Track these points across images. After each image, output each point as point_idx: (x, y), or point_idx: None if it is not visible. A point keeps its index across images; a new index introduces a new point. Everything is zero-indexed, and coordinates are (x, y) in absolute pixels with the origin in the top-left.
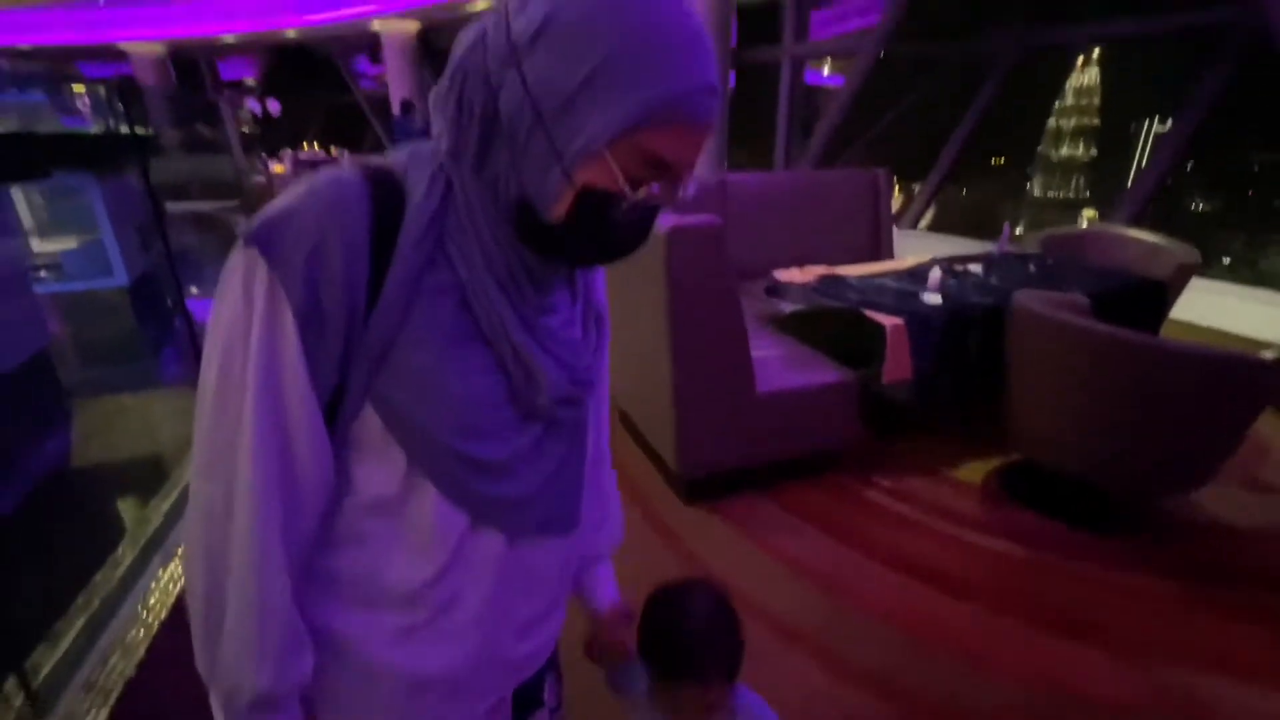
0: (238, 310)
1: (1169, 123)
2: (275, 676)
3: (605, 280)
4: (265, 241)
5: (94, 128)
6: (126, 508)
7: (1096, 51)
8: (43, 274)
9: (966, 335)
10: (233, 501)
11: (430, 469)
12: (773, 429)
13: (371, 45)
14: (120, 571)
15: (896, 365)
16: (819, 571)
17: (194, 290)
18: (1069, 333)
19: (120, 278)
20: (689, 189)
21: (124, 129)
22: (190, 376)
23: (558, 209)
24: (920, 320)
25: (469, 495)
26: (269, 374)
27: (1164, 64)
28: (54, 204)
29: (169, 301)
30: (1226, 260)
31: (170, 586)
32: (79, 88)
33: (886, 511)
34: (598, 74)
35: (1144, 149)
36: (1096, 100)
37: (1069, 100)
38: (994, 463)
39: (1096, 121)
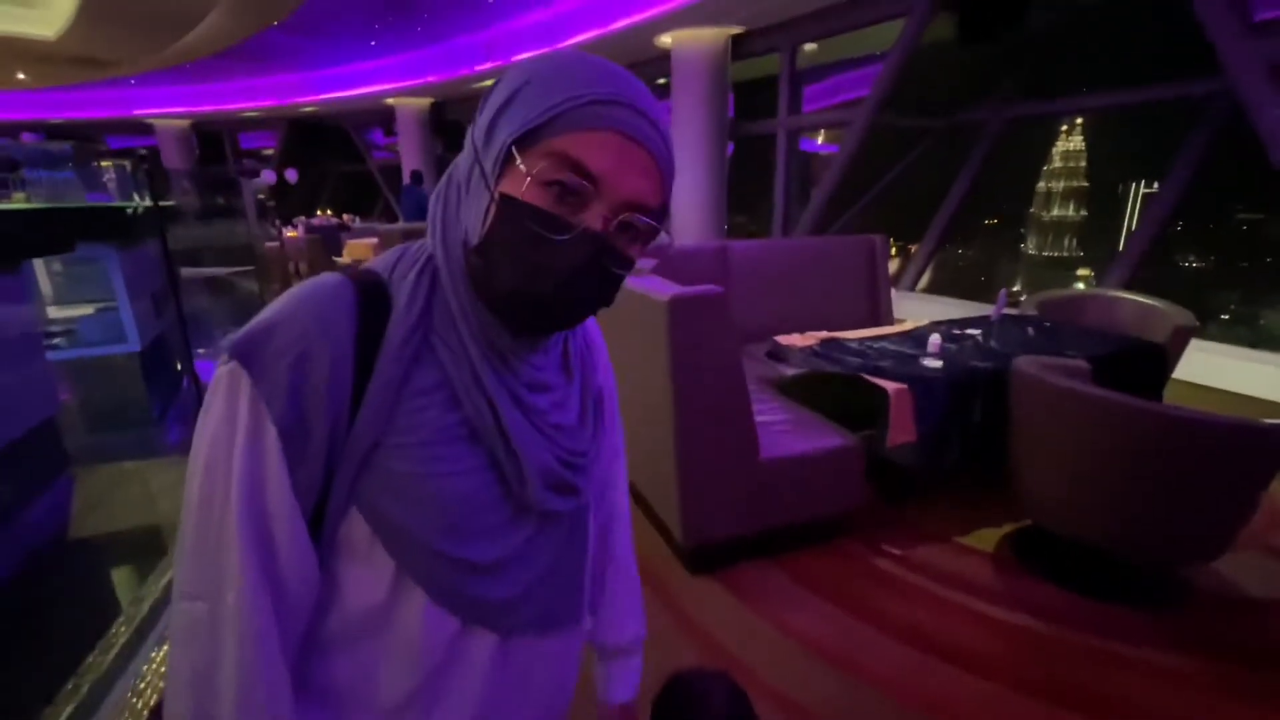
0: (221, 425)
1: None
2: None
3: (608, 359)
4: (247, 355)
5: (117, 200)
6: (122, 584)
7: (1080, 118)
8: (57, 340)
9: (969, 400)
10: (220, 625)
11: (419, 573)
12: (778, 496)
13: (385, 118)
14: (112, 655)
15: (900, 429)
16: (830, 646)
17: (201, 352)
18: (1070, 399)
19: (133, 344)
20: (659, 240)
21: (146, 202)
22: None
23: (484, 226)
24: (923, 385)
25: (459, 599)
26: (252, 491)
27: (1146, 129)
28: (72, 270)
29: (178, 365)
30: (1225, 317)
31: (164, 671)
32: (106, 163)
33: (898, 581)
34: (515, 95)
35: (1133, 210)
36: (1083, 163)
37: (1056, 163)
38: (1005, 528)
39: (1085, 183)
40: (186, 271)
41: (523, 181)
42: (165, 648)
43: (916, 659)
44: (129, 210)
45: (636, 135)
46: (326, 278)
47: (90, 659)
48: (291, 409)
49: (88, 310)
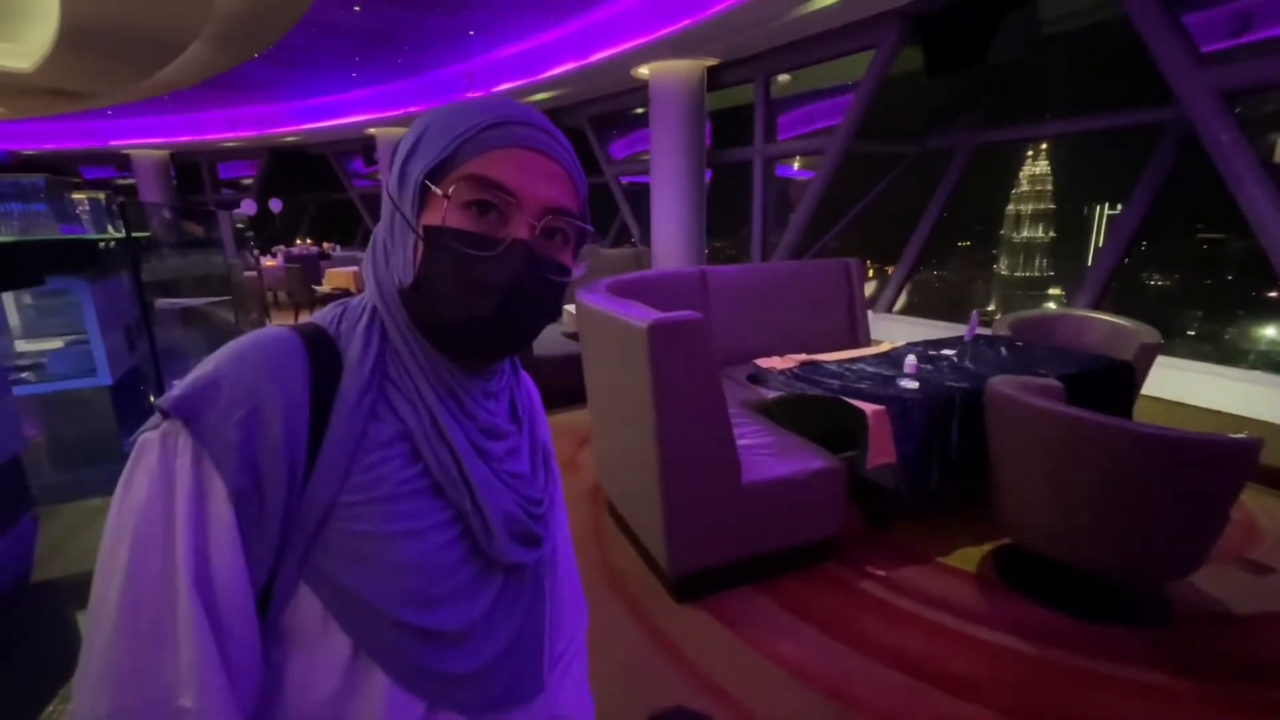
0: (156, 495)
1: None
2: None
3: (544, 412)
4: (191, 413)
5: (91, 232)
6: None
7: (1045, 143)
8: (25, 375)
9: (946, 420)
10: None
11: (379, 651)
12: (762, 520)
13: (366, 147)
14: (72, 705)
15: (880, 450)
16: (820, 675)
17: (174, 384)
18: (1042, 417)
19: (104, 378)
20: (579, 248)
21: (119, 234)
22: None
23: (416, 264)
24: (901, 405)
25: (425, 677)
26: (200, 568)
27: (1109, 154)
28: (42, 303)
29: (150, 398)
30: (1190, 333)
31: None
32: (79, 195)
33: (883, 605)
34: (419, 140)
35: (1099, 230)
36: (1050, 187)
37: (1024, 187)
38: (986, 547)
39: (1052, 206)
40: (162, 302)
41: (442, 208)
42: None
43: (906, 686)
44: (102, 242)
45: (540, 147)
46: (270, 330)
47: (51, 708)
48: (245, 471)
49: (58, 344)
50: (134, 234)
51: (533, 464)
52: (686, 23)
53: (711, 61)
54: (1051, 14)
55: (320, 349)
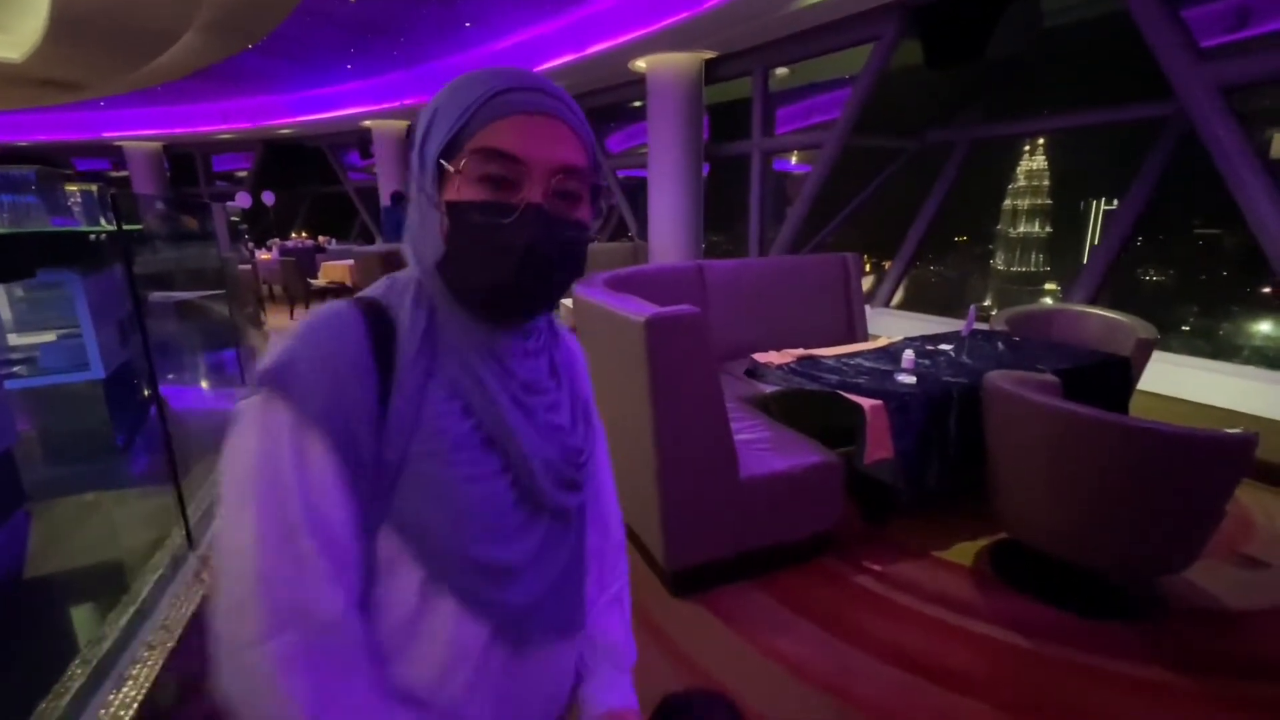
0: (264, 456)
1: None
2: None
3: (587, 371)
4: (282, 384)
5: (83, 225)
6: (81, 623)
7: (1042, 138)
8: (16, 369)
9: (944, 414)
10: (313, 645)
11: (448, 579)
12: (759, 515)
13: (362, 140)
14: (67, 700)
15: (878, 445)
16: (817, 670)
17: (170, 377)
18: (1039, 412)
19: (97, 371)
20: (596, 201)
21: (112, 226)
22: (159, 470)
23: (443, 239)
24: (898, 400)
25: (485, 604)
26: (310, 510)
27: (1105, 149)
28: (34, 296)
29: (145, 392)
30: (1185, 329)
31: (122, 714)
32: (71, 186)
33: (880, 600)
34: (432, 121)
35: (1095, 226)
36: (1047, 182)
37: (1021, 182)
38: (983, 542)
39: (1049, 201)
40: (156, 296)
41: (458, 184)
42: (124, 690)
43: (904, 680)
44: (93, 235)
45: (542, 109)
46: (335, 305)
47: (44, 704)
48: (336, 428)
49: (50, 337)
50: (126, 226)
51: (573, 417)
52: (684, 15)
53: (709, 54)
54: (1052, 7)
55: (377, 318)
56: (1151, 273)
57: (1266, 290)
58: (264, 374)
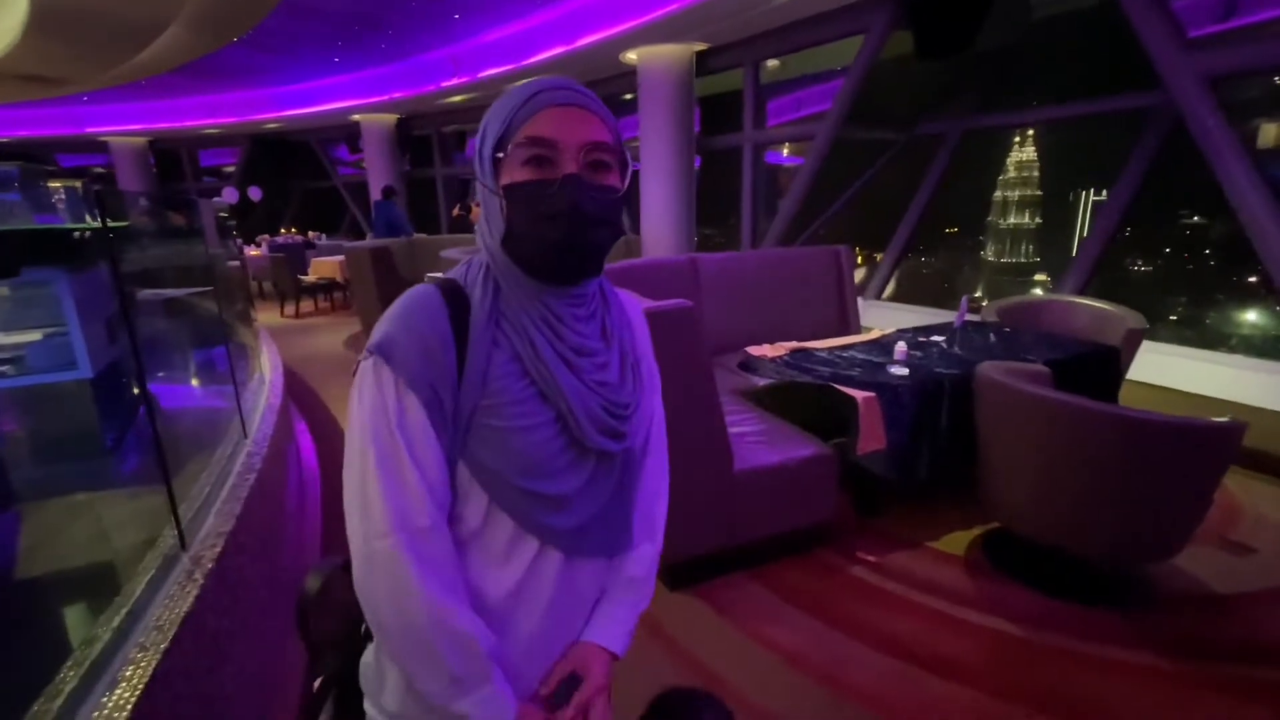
0: (379, 403)
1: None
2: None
3: (648, 337)
4: (387, 354)
5: (68, 222)
6: (72, 624)
7: (1031, 129)
8: (3, 368)
9: (936, 406)
10: (415, 542)
11: (506, 505)
12: (754, 507)
13: (351, 134)
14: (59, 702)
15: (870, 437)
16: (812, 660)
17: (160, 375)
18: (1030, 403)
19: (84, 370)
20: (623, 171)
21: (97, 223)
22: (149, 470)
23: (504, 219)
24: (891, 392)
25: (535, 525)
26: (411, 445)
27: (1094, 139)
28: (19, 294)
29: (134, 391)
30: (1174, 318)
31: (116, 716)
32: (55, 183)
33: (875, 590)
34: (485, 130)
35: (1084, 217)
36: (1036, 173)
37: (1011, 173)
38: (975, 531)
39: (1038, 192)
40: (144, 294)
41: (509, 171)
42: (118, 692)
43: (898, 669)
44: (78, 232)
45: (569, 101)
46: (422, 288)
47: (37, 707)
48: (425, 386)
49: (36, 336)
50: (112, 223)
51: (621, 374)
52: (675, 6)
53: (700, 46)
54: None
55: (455, 297)
56: (1140, 263)
57: (1253, 279)
58: (374, 346)
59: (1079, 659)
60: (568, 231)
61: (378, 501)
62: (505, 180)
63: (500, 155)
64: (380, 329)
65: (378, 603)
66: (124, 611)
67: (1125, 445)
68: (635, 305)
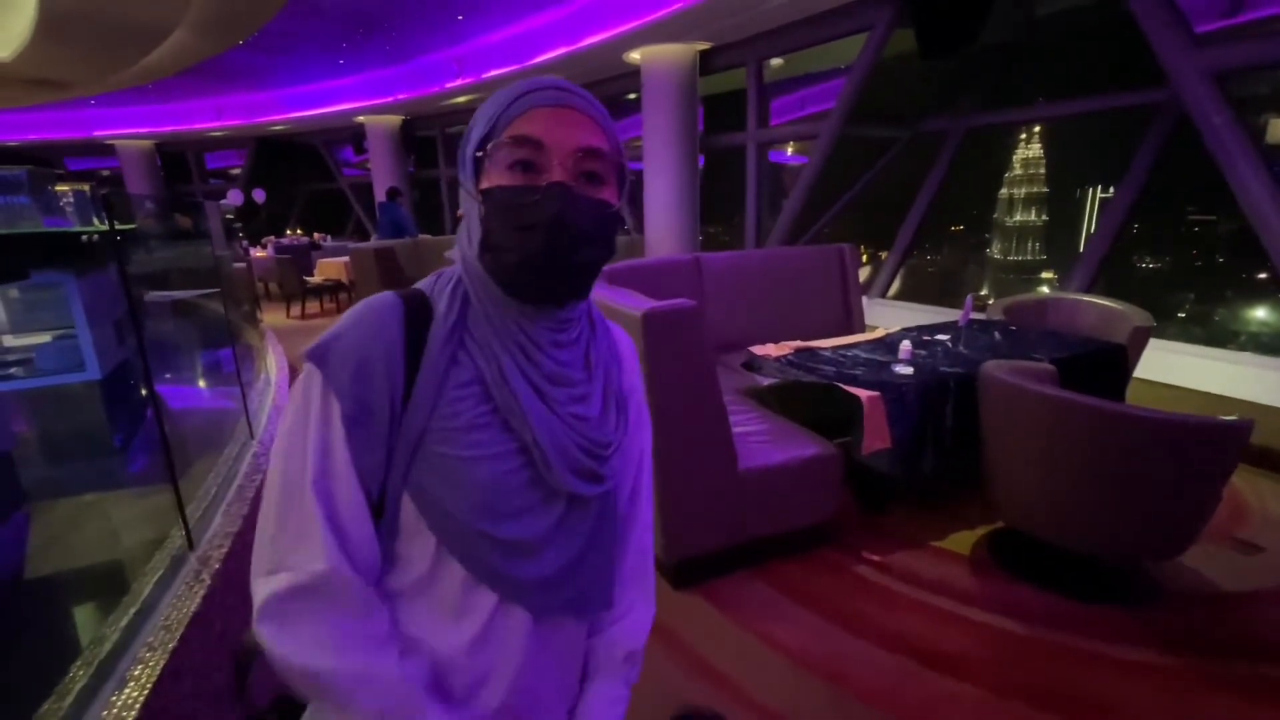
0: (297, 418)
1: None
2: None
3: (637, 369)
4: (320, 359)
5: (76, 225)
6: (82, 623)
7: (1038, 126)
8: (12, 370)
9: (941, 404)
10: (302, 588)
11: (456, 549)
12: (758, 506)
13: (356, 136)
14: (69, 701)
15: (875, 436)
16: (817, 658)
17: (167, 376)
18: (1036, 401)
19: (93, 372)
20: (621, 184)
21: (104, 226)
22: (158, 470)
23: (481, 225)
24: (895, 391)
25: (493, 575)
26: (320, 470)
27: (1101, 136)
28: (29, 297)
29: (141, 392)
30: (1181, 315)
31: (125, 715)
32: (63, 186)
33: (879, 588)
34: (471, 129)
35: (1091, 214)
36: (1042, 170)
37: (1017, 171)
38: (980, 530)
39: (1045, 189)
40: (152, 295)
41: (491, 173)
42: (127, 690)
43: (902, 667)
44: (86, 235)
45: (560, 102)
46: (381, 296)
47: (46, 705)
48: (354, 403)
49: (45, 338)
50: (119, 226)
51: (604, 409)
52: (678, 6)
53: (704, 45)
54: None
55: (416, 308)
56: (1147, 260)
57: (1262, 276)
58: (310, 350)
59: (1084, 657)
60: (547, 245)
61: (270, 533)
62: (485, 184)
63: (480, 154)
64: (324, 334)
65: (270, 648)
66: (132, 611)
67: (1132, 444)
68: (627, 341)
